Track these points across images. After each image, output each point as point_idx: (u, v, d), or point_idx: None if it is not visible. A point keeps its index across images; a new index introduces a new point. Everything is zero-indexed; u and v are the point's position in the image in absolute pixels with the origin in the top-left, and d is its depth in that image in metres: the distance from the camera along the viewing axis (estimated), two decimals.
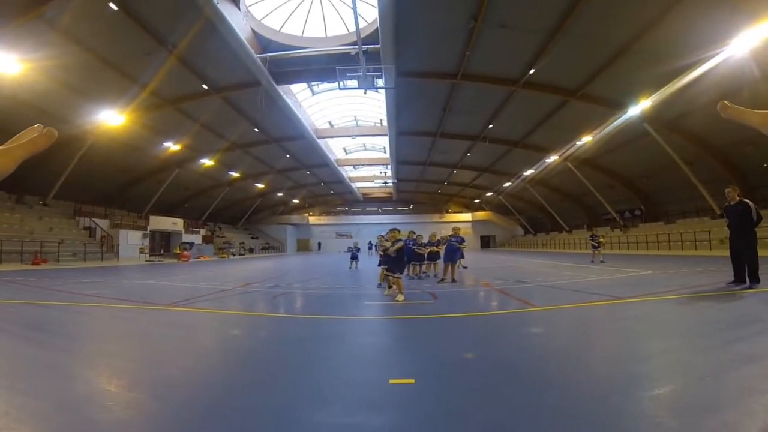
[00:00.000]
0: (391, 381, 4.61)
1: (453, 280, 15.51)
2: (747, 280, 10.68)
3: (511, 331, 7.72)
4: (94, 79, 26.09)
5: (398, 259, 11.85)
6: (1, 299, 12.18)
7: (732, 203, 11.09)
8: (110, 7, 20.47)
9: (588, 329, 7.70)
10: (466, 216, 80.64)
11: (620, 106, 28.95)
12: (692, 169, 32.70)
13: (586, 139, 34.71)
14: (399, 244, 12.23)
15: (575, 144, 36.72)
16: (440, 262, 17.29)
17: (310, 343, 6.93)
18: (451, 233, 17.31)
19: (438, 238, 19.44)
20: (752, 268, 10.69)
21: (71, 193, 37.01)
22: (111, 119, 29.42)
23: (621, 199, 45.47)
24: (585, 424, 3.47)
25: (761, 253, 10.86)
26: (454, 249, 16.12)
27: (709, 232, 31.68)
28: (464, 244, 17.05)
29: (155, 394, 4.36)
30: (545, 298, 11.27)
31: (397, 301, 10.57)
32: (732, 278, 11.12)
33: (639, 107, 27.84)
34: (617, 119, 30.34)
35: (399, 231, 12.96)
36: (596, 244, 25.72)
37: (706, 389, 4.08)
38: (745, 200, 10.92)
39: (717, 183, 29.92)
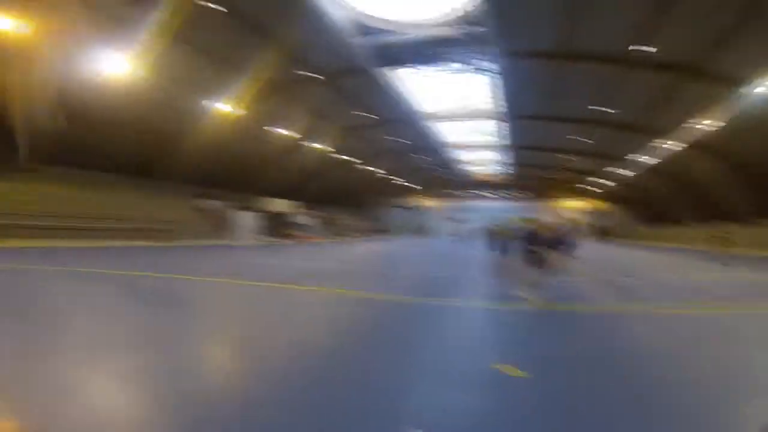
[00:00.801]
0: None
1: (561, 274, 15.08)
2: None
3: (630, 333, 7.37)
4: (203, 74, 28.66)
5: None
6: (140, 272, 13.43)
7: None
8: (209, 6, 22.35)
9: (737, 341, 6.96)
10: (580, 204, 77.56)
11: (746, 82, 25.47)
12: None
13: (708, 122, 31.61)
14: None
15: (700, 128, 33.17)
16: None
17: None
18: (558, 222, 16.92)
19: (558, 227, 18.40)
20: None
21: (192, 177, 39.71)
22: (224, 110, 31.61)
23: (752, 192, 40.66)
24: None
25: None
26: (563, 241, 15.47)
27: None
28: (574, 234, 16.54)
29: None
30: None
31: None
32: None
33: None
34: (743, 98, 26.75)
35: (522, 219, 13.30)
36: (726, 241, 24.13)
37: None
38: None
39: None
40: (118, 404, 3.96)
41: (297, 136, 40.19)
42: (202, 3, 22.33)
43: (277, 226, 46.61)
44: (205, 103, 31.02)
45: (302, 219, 52.51)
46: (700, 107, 30.32)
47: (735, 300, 10.63)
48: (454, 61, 27.78)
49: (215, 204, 41.57)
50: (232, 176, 44.44)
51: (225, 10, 22.58)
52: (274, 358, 5.37)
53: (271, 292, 10.58)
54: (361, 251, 29.02)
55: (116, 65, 23.80)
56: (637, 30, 24.01)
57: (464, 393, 4.18)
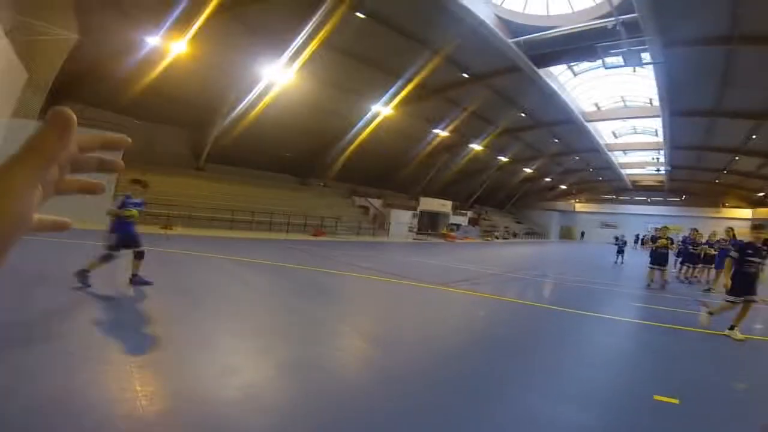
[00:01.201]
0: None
1: (708, 290, 14.70)
2: None
3: None
4: (358, 78, 30.72)
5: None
6: (297, 264, 15.04)
7: None
8: (357, 16, 24.23)
9: None
10: (746, 212, 68.37)
11: None
12: None
13: None
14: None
15: None
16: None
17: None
18: (723, 236, 16.13)
19: (718, 238, 17.31)
20: None
21: (348, 176, 43.24)
22: (381, 111, 33.79)
23: None
24: None
25: None
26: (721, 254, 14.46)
27: None
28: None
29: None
30: None
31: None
32: None
33: None
34: None
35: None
36: None
37: None
38: None
39: None
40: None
41: (456, 136, 41.43)
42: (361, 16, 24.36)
43: (432, 225, 47.83)
44: (365, 107, 33.62)
45: (456, 219, 53.49)
46: None
47: None
48: (612, 54, 26.86)
49: (374, 202, 43.70)
50: (390, 176, 46.54)
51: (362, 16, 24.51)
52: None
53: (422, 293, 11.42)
54: (514, 254, 28.94)
55: (282, 75, 27.13)
56: None
57: None
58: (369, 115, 34.39)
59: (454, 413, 4.18)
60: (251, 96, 28.70)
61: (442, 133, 40.03)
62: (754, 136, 41.04)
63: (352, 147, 37.80)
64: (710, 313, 8.97)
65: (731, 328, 8.31)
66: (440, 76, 31.46)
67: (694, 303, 11.83)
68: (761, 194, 63.60)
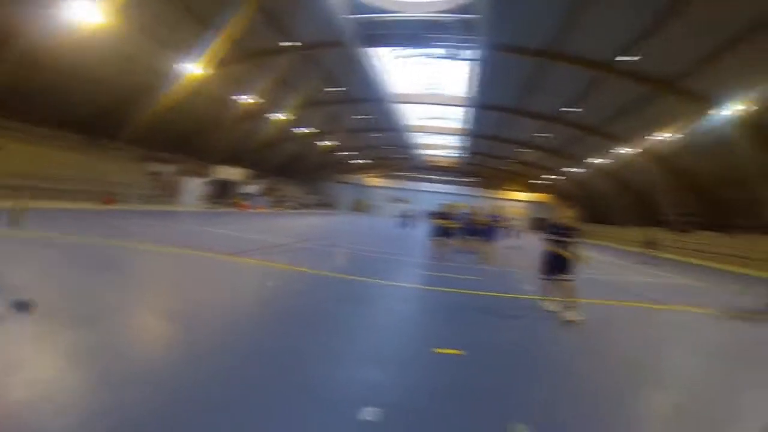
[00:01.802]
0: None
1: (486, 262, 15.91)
2: None
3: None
4: (176, 29, 26.27)
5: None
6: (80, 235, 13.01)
7: None
8: None
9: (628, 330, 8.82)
10: (524, 196, 79.61)
11: (712, 105, 26.82)
12: None
13: (666, 135, 32.76)
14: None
15: (653, 138, 34.66)
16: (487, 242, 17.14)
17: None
18: (491, 213, 17.92)
19: (488, 215, 18.32)
20: None
21: (144, 140, 37.49)
22: (187, 69, 29.27)
23: (683, 201, 42.77)
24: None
25: None
26: (491, 230, 16.58)
27: None
28: (506, 223, 17.05)
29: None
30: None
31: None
32: None
33: (731, 110, 25.71)
34: (704, 118, 28.20)
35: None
36: (652, 244, 25.53)
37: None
38: None
39: None
40: None
41: (258, 103, 38.31)
42: None
43: (225, 194, 45.47)
44: (169, 60, 28.68)
45: (250, 188, 51.18)
46: (665, 120, 31.31)
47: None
48: (438, 46, 27.09)
49: (167, 168, 39.66)
50: (186, 141, 42.54)
51: None
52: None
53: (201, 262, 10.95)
54: (304, 224, 29.40)
55: (79, 11, 21.15)
56: (627, 41, 24.47)
57: None
58: (176, 72, 29.61)
59: (258, 383, 4.32)
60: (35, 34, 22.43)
61: (249, 100, 36.75)
62: (540, 134, 45.47)
63: (152, 107, 32.48)
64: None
65: (560, 308, 8.72)
66: (260, 40, 28.78)
67: (473, 270, 13.82)
68: (537, 182, 72.38)
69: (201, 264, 10.66)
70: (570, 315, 8.23)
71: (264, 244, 15.95)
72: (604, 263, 23.12)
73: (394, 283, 10.74)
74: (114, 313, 5.90)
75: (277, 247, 15.57)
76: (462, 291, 10.36)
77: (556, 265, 8.66)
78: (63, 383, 3.83)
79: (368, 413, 3.86)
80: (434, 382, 4.84)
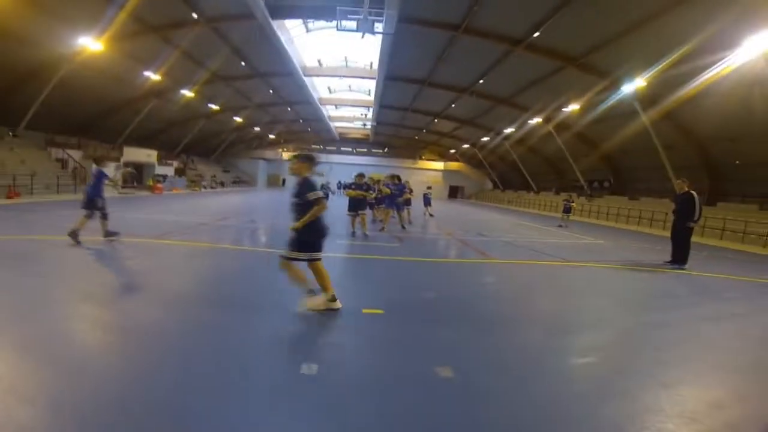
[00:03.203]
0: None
1: (382, 229, 16.53)
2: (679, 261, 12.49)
3: (468, 277, 9.86)
4: (72, 2, 24.56)
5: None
6: None
7: (680, 193, 12.52)
8: None
9: (527, 281, 10.00)
10: (439, 165, 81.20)
11: (616, 80, 28.71)
12: (668, 153, 32.73)
13: (574, 107, 34.57)
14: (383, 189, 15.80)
15: (561, 109, 36.54)
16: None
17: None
18: (393, 181, 18.06)
19: (395, 183, 18.51)
20: (685, 252, 12.47)
21: (43, 124, 34.90)
22: (88, 45, 27.38)
23: (593, 168, 45.48)
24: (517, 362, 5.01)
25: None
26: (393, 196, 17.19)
27: (666, 213, 31.59)
28: (406, 193, 17.57)
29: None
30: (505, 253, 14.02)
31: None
32: (670, 258, 12.88)
33: (634, 85, 27.56)
34: (609, 92, 30.21)
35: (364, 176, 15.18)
36: (568, 208, 26.59)
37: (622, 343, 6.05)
38: (692, 192, 12.23)
39: (687, 170, 30.47)
40: None
41: (167, 80, 36.72)
42: None
43: (138, 177, 43.82)
44: (66, 36, 26.80)
45: (163, 170, 49.46)
46: (573, 93, 33.01)
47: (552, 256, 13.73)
48: (347, 18, 26.86)
49: (73, 154, 37.65)
50: (93, 123, 40.49)
51: None
52: None
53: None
54: (221, 203, 29.48)
55: None
56: (537, 18, 25.44)
57: None
58: (73, 48, 27.62)
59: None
60: None
61: (153, 76, 34.92)
62: (453, 105, 46.28)
63: (50, 87, 30.32)
64: None
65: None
66: (163, 10, 27.36)
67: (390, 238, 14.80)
68: (452, 151, 74.53)
69: (122, 250, 10.34)
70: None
71: (185, 225, 15.70)
72: (522, 227, 24.44)
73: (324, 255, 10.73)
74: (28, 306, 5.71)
75: (198, 227, 15.52)
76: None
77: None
78: None
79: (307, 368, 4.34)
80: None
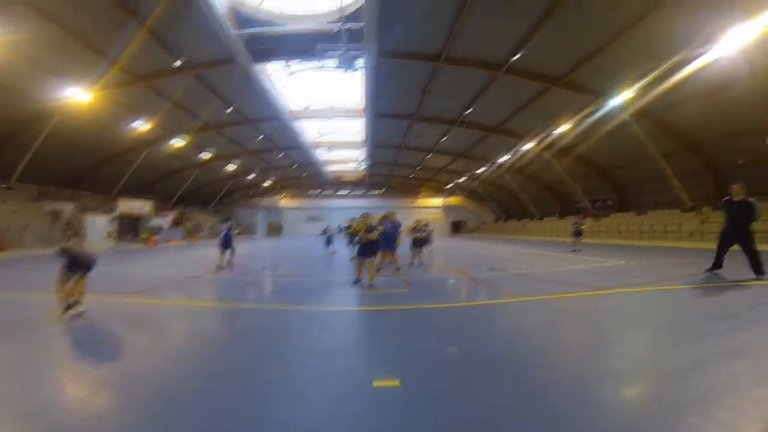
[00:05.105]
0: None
1: (398, 269, 15.45)
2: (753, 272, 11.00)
3: (491, 323, 8.02)
4: (60, 53, 24.82)
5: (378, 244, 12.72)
6: None
7: (735, 199, 11.38)
8: None
9: (568, 321, 7.93)
10: (438, 201, 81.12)
11: (603, 95, 28.78)
12: (668, 162, 32.67)
13: (565, 127, 34.55)
14: (380, 228, 13.03)
15: (553, 132, 36.46)
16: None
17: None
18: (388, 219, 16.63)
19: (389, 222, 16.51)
20: (758, 260, 11.05)
21: (36, 176, 35.43)
22: (78, 96, 27.90)
23: (594, 188, 45.52)
24: (566, 420, 3.71)
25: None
26: (391, 236, 15.37)
27: (680, 224, 31.42)
28: (401, 231, 16.61)
29: None
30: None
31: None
32: (710, 266, 11.95)
33: (621, 97, 27.65)
34: (598, 108, 30.14)
35: (370, 216, 13.12)
36: (579, 232, 25.82)
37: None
38: (750, 199, 11.21)
39: (691, 176, 30.24)
40: None
41: (158, 129, 36.97)
42: None
43: (133, 229, 43.65)
44: (56, 88, 27.30)
45: (159, 221, 49.28)
46: (561, 114, 33.04)
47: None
48: (329, 57, 26.91)
49: (67, 206, 37.55)
50: (85, 175, 40.71)
51: None
52: None
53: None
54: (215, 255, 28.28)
55: None
56: (514, 42, 25.69)
57: None
58: (64, 99, 28.19)
59: None
60: None
61: (144, 125, 35.22)
62: (444, 138, 46.21)
63: (40, 138, 31.01)
64: None
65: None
66: (149, 61, 27.57)
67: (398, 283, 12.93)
68: (449, 186, 73.89)
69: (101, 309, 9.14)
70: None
71: (170, 280, 14.71)
72: (535, 257, 22.61)
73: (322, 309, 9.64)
74: None
75: (184, 281, 14.51)
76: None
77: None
78: None
79: None
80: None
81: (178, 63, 28.34)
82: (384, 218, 15.69)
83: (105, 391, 4.66)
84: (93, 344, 6.58)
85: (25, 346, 6.34)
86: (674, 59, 22.34)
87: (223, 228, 18.05)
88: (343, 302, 10.31)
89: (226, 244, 17.44)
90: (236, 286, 13.45)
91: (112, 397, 4.50)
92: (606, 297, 9.93)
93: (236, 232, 15.48)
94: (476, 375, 5.02)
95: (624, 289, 10.68)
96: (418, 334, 7.10)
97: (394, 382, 4.68)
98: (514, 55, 26.58)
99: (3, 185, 33.48)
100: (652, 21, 20.86)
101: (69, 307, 8.02)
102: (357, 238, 13.16)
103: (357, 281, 12.61)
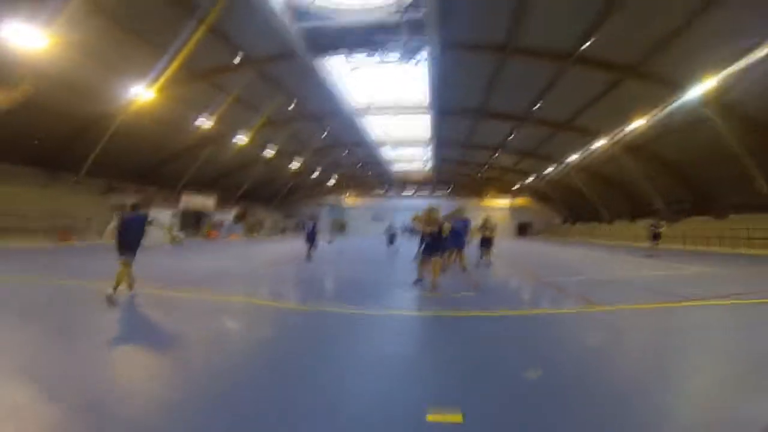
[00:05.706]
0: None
1: (464, 269, 14.64)
2: None
3: (582, 338, 6.73)
4: (123, 53, 25.15)
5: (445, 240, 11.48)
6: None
7: None
8: None
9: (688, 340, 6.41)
10: (505, 201, 79.25)
11: (680, 86, 26.39)
12: (754, 161, 29.49)
13: (639, 123, 32.28)
14: (447, 226, 11.30)
15: (626, 128, 34.34)
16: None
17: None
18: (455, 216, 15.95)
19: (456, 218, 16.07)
20: None
21: (103, 170, 36.48)
22: (142, 94, 28.36)
23: (669, 189, 42.53)
24: None
25: None
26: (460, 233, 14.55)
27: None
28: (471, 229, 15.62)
29: None
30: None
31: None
32: None
33: (700, 89, 25.26)
34: (675, 101, 27.79)
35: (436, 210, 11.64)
36: (657, 234, 24.19)
37: None
38: None
39: None
40: None
41: (221, 126, 37.25)
42: None
43: (196, 224, 44.34)
44: (122, 86, 27.81)
45: (222, 216, 49.94)
46: (636, 107, 30.67)
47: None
48: (389, 50, 26.20)
49: (131, 200, 38.42)
50: (150, 170, 41.61)
51: None
52: None
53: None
54: (279, 252, 27.62)
55: (22, 36, 19.80)
56: (583, 28, 23.84)
57: None
58: (129, 97, 28.77)
59: None
60: None
61: (207, 122, 35.57)
62: (512, 136, 44.68)
63: (108, 135, 31.73)
64: None
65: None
66: (210, 57, 27.59)
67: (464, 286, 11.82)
68: (517, 186, 72.08)
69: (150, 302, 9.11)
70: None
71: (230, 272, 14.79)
72: (608, 261, 21.64)
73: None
74: None
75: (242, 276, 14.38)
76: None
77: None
78: None
79: None
80: None
81: (237, 59, 28.29)
82: (452, 215, 14.96)
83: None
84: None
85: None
86: (756, 41, 20.28)
87: (310, 224, 20.12)
88: (400, 304, 9.32)
89: (311, 238, 19.60)
90: (280, 283, 13.29)
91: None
92: (717, 309, 8.59)
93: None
94: (567, 411, 3.77)
95: (729, 301, 9.19)
96: (488, 351, 5.74)
97: (455, 417, 3.53)
98: (584, 43, 24.78)
99: (72, 179, 34.39)
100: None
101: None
102: (424, 233, 11.70)
103: (419, 281, 11.71)
